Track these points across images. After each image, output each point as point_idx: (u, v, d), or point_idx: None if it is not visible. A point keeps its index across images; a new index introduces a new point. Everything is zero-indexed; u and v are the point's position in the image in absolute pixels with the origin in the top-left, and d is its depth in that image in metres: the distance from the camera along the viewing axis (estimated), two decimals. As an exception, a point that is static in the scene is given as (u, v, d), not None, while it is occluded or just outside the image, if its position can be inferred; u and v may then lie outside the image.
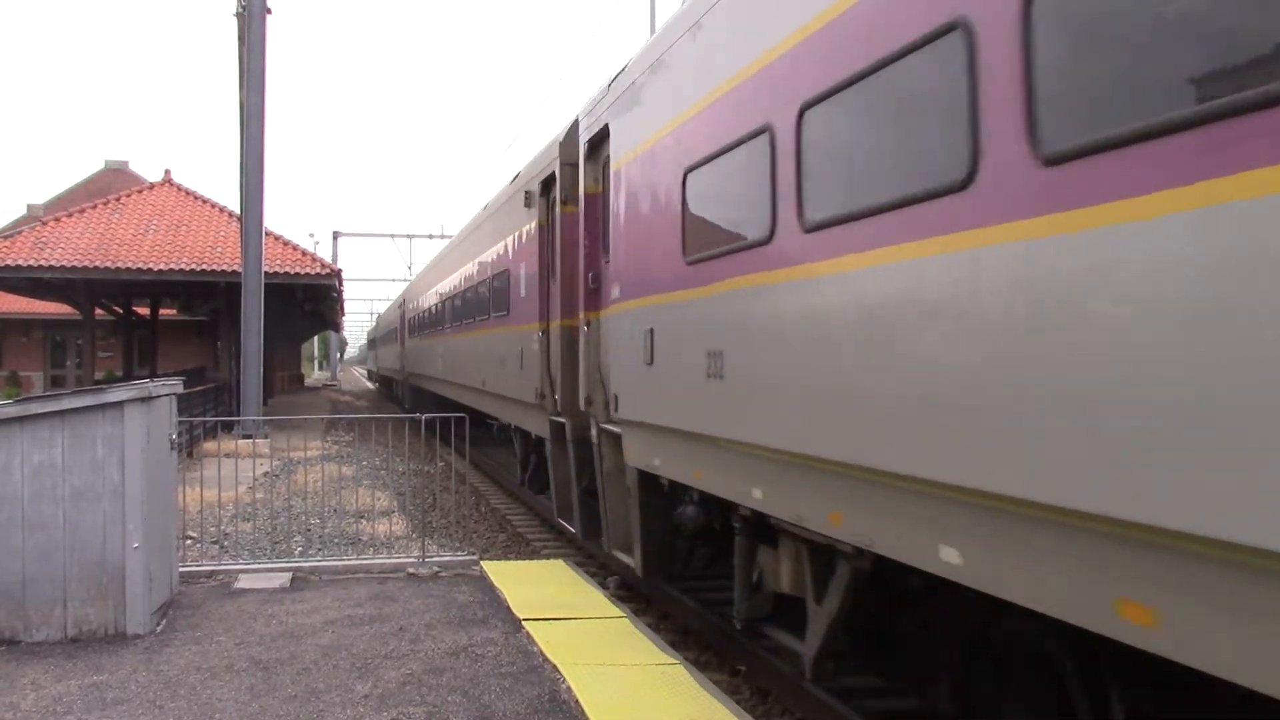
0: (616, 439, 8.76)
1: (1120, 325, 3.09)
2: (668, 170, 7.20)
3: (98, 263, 25.60)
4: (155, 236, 27.31)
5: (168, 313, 38.25)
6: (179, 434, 8.57)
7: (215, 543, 11.02)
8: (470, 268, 18.57)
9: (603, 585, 9.26)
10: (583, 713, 5.45)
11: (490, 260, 16.06)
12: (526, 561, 10.65)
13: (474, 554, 10.06)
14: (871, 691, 6.95)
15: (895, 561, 4.51)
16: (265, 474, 16.39)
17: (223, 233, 27.89)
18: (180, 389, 8.46)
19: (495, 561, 9.99)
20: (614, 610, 7.75)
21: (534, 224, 12.41)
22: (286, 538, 11.15)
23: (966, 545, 3.95)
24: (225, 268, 25.65)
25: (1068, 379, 3.30)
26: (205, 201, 30.27)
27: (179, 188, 30.90)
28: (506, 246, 14.46)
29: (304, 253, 27.93)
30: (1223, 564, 2.82)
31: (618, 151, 8.53)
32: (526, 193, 12.64)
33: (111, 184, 45.31)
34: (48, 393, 9.98)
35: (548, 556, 12.17)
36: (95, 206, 29.19)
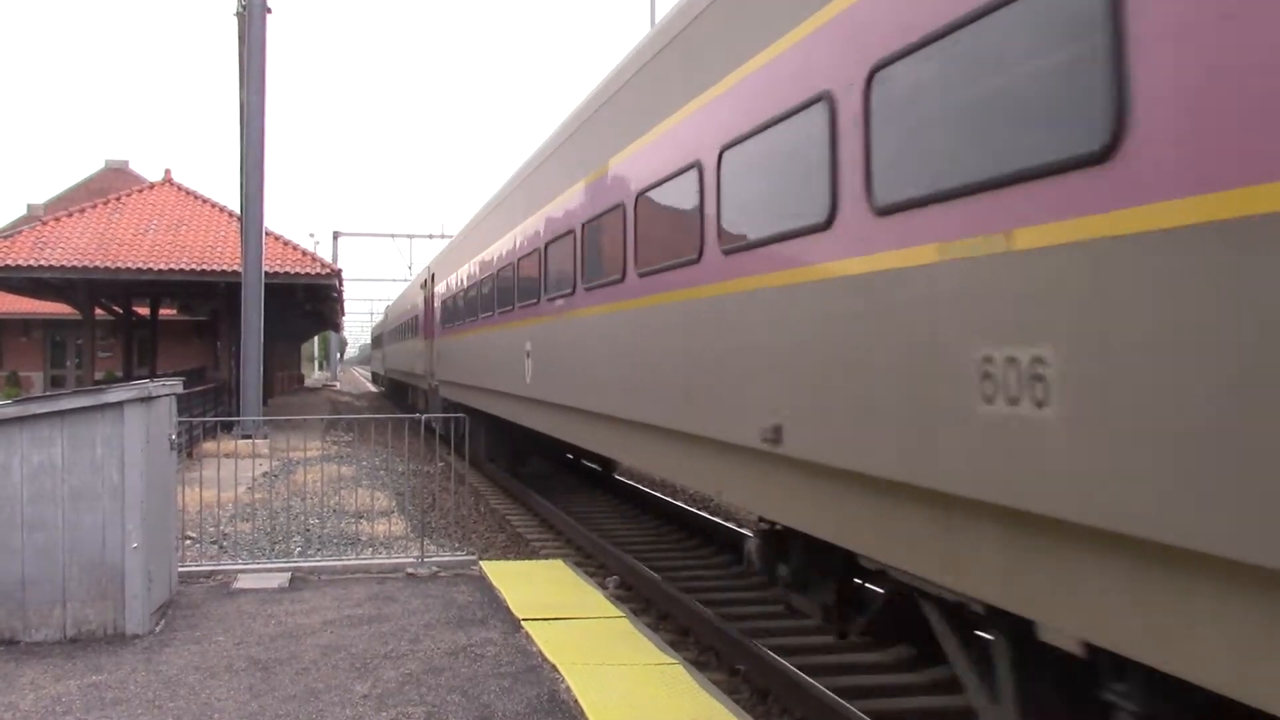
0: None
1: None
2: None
3: (98, 262, 25.60)
4: (155, 236, 27.31)
5: (168, 313, 38.26)
6: (179, 434, 8.57)
7: (214, 543, 11.01)
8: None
9: (602, 585, 9.26)
10: (582, 713, 5.45)
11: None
12: (525, 561, 10.65)
13: (473, 554, 10.07)
14: (872, 692, 6.96)
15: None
16: (265, 474, 16.39)
17: (223, 233, 27.89)
18: (180, 389, 8.46)
19: (494, 561, 9.99)
20: (613, 610, 7.75)
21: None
22: (286, 538, 11.15)
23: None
24: (225, 267, 25.66)
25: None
26: (205, 201, 30.27)
27: (179, 187, 30.91)
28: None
29: (304, 252, 27.93)
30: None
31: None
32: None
33: (111, 184, 45.33)
34: (47, 393, 9.97)
35: (547, 556, 12.17)
36: (95, 206, 29.19)
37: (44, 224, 27.83)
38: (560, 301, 10.69)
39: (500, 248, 14.88)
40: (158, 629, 7.21)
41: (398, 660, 6.47)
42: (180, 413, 8.73)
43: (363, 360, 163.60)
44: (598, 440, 9.70)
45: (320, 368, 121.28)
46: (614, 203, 8.63)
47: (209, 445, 18.39)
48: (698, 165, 6.51)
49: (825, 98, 4.87)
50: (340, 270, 30.03)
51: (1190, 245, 2.84)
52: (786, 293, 5.27)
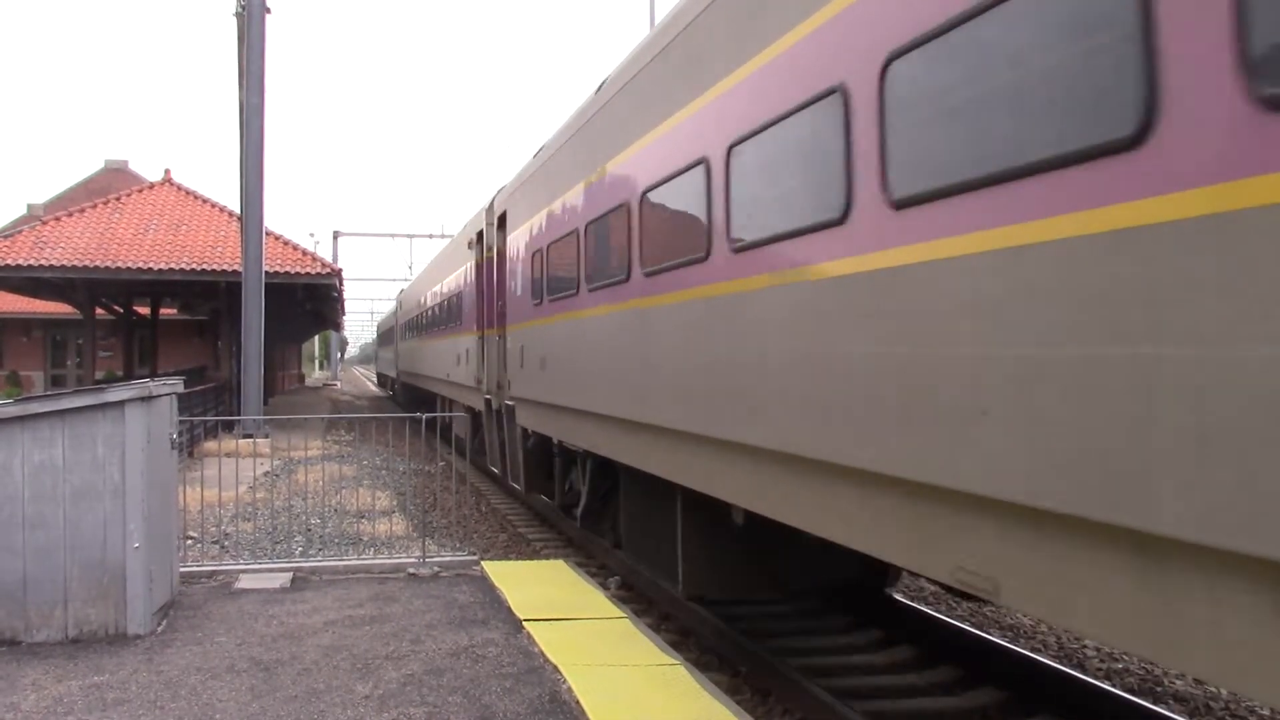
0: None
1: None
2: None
3: (98, 262, 25.61)
4: (155, 236, 27.32)
5: (168, 312, 38.27)
6: (180, 434, 8.57)
7: (216, 543, 11.01)
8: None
9: (603, 586, 9.25)
10: (583, 713, 5.45)
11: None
12: (527, 562, 10.65)
13: (474, 554, 10.06)
14: (872, 692, 6.96)
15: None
16: (266, 474, 16.40)
17: (223, 232, 27.90)
18: (181, 388, 8.45)
19: (496, 561, 9.99)
20: (615, 611, 7.75)
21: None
22: (287, 538, 11.15)
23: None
24: (225, 267, 25.66)
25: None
26: (205, 201, 30.28)
27: (179, 187, 30.92)
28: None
29: (304, 252, 27.94)
30: None
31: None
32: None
33: (111, 183, 45.32)
34: (48, 392, 9.97)
35: (548, 556, 12.17)
36: (95, 206, 29.21)
37: (44, 224, 27.85)
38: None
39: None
40: (159, 629, 7.21)
41: (399, 661, 6.46)
42: (181, 412, 8.72)
43: (364, 359, 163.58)
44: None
45: (321, 367, 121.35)
46: None
47: (210, 445, 18.39)
48: None
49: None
50: (340, 270, 30.04)
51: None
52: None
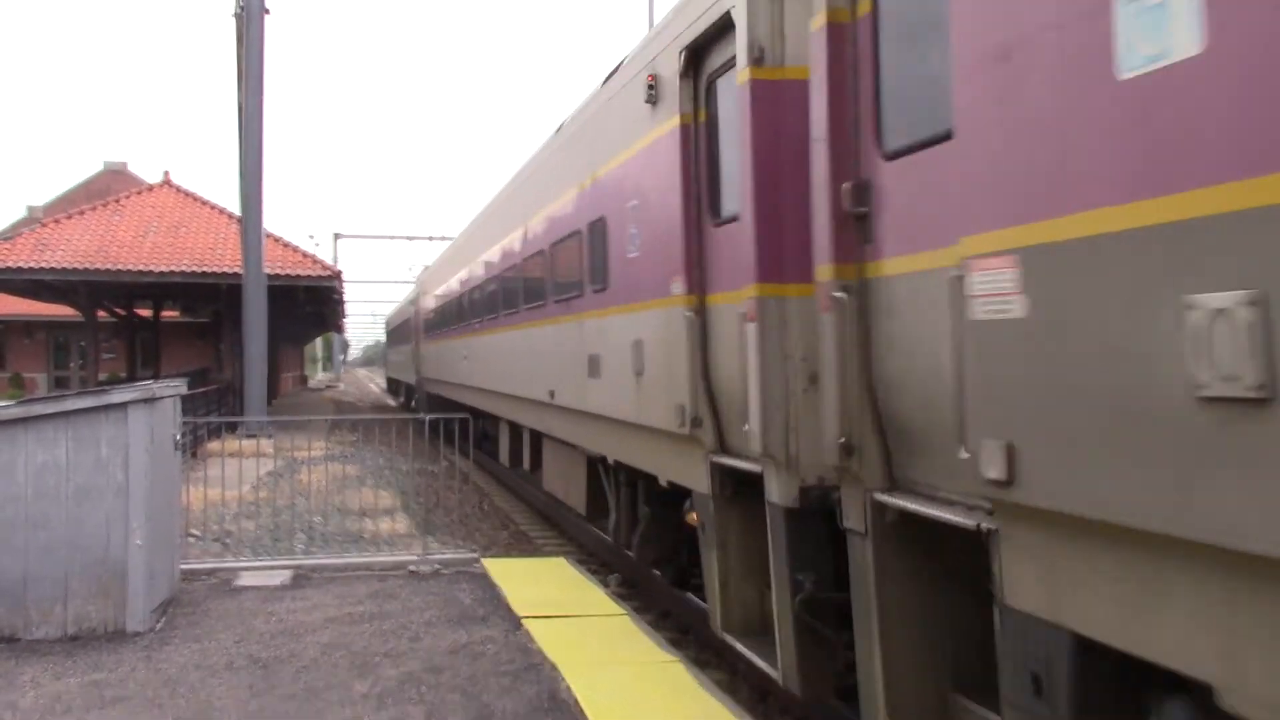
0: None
1: None
2: None
3: (98, 264, 25.62)
4: (155, 238, 27.33)
5: (170, 314, 38.30)
6: (183, 434, 8.59)
7: (217, 540, 11.03)
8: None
9: (604, 583, 9.26)
10: (581, 711, 5.46)
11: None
12: (527, 559, 10.66)
13: (475, 551, 10.08)
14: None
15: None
16: (269, 473, 16.41)
17: (223, 234, 27.91)
18: (184, 390, 8.49)
19: (496, 559, 10.00)
20: (614, 608, 7.76)
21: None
22: (289, 535, 11.16)
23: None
24: (226, 269, 25.66)
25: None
26: (205, 203, 30.29)
27: (178, 189, 30.92)
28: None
29: (304, 254, 27.96)
30: None
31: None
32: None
33: (111, 185, 45.35)
34: (52, 394, 9.99)
35: (549, 554, 12.18)
36: (95, 208, 29.22)
37: (44, 226, 27.89)
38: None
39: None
40: (158, 626, 7.22)
41: (398, 658, 6.47)
42: (184, 413, 8.75)
43: (366, 361, 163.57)
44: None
45: (323, 369, 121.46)
46: None
47: (213, 445, 18.40)
48: None
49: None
50: (340, 272, 30.07)
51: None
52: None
